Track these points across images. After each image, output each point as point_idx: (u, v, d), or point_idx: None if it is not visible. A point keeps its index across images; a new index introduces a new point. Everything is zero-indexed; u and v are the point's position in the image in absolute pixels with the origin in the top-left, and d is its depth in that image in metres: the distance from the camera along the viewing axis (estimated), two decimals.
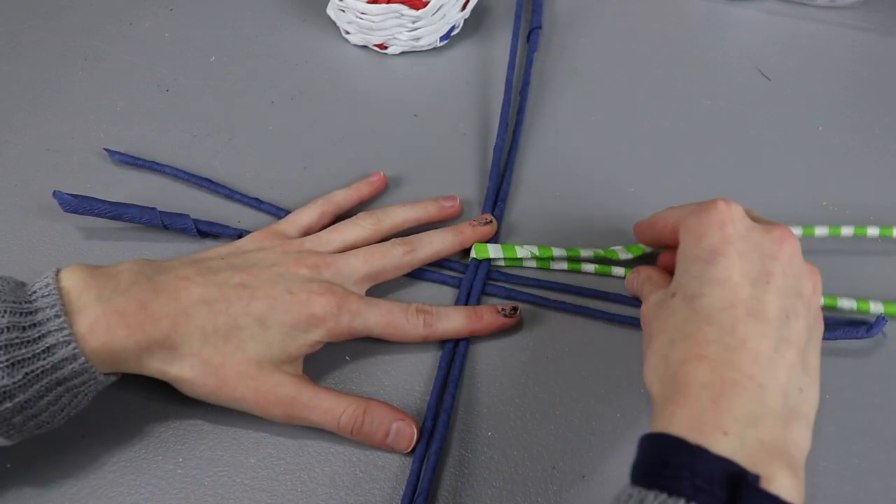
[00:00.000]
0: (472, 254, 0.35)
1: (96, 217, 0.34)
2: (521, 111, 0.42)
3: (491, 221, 0.35)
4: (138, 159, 0.39)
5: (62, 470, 0.28)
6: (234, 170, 0.39)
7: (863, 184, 0.40)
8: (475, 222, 0.35)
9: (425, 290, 0.35)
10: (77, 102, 0.42)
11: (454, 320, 0.31)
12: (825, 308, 0.34)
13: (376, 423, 0.28)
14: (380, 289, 0.34)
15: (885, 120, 0.44)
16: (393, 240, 0.33)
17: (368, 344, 0.32)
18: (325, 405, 0.28)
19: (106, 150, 0.39)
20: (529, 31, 0.47)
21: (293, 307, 0.28)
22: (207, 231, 0.35)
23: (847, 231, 0.36)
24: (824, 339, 0.31)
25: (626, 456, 0.30)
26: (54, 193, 0.34)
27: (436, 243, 0.34)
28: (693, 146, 0.42)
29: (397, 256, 0.32)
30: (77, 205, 0.34)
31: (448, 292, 0.35)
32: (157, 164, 0.38)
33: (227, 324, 0.27)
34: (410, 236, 0.34)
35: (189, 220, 0.35)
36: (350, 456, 0.29)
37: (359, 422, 0.28)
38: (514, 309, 0.32)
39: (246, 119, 0.42)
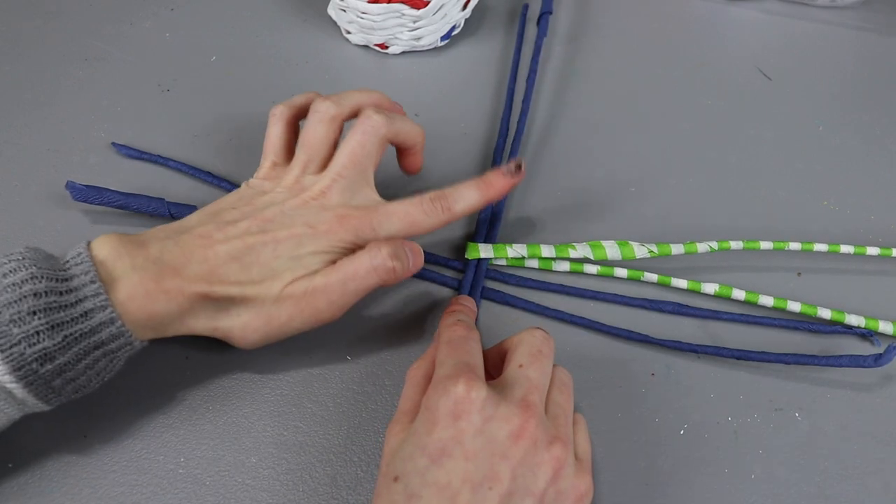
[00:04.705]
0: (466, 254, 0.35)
1: (105, 206, 0.35)
2: (525, 102, 0.42)
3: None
4: (144, 153, 0.39)
5: (63, 469, 0.28)
6: (235, 170, 0.39)
7: (863, 184, 0.40)
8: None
9: (424, 289, 0.35)
10: (77, 102, 0.42)
11: (469, 197, 0.31)
12: (833, 322, 0.34)
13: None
14: (380, 290, 0.34)
15: (885, 120, 0.44)
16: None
17: (368, 344, 0.32)
18: (357, 263, 0.28)
19: (114, 143, 0.39)
20: (539, 15, 0.47)
21: (319, 238, 0.29)
22: None
23: (847, 249, 0.36)
24: (830, 365, 0.31)
25: (623, 464, 0.30)
26: (67, 184, 0.34)
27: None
28: (693, 146, 0.42)
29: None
30: (88, 194, 0.34)
31: (447, 293, 0.35)
32: (163, 157, 0.39)
33: (262, 272, 0.28)
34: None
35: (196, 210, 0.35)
36: (352, 456, 0.29)
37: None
38: (518, 166, 0.32)
39: (246, 119, 0.42)
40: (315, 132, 0.31)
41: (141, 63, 0.45)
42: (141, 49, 0.46)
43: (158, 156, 0.39)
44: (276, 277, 0.28)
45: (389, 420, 0.27)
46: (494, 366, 0.28)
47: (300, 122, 0.33)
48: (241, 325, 0.28)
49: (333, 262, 0.29)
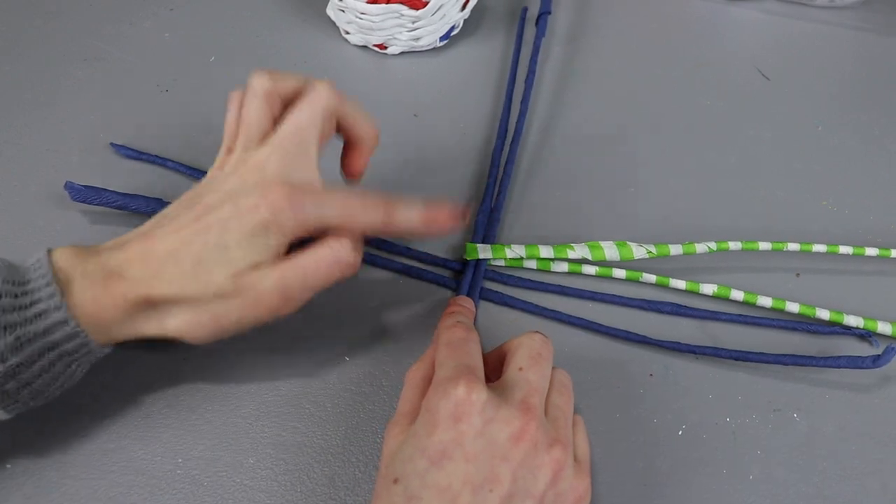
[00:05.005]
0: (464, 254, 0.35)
1: (104, 206, 0.35)
2: (524, 103, 0.42)
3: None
4: (143, 153, 0.39)
5: (62, 470, 0.28)
6: None
7: (862, 183, 0.40)
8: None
9: (423, 290, 0.35)
10: (77, 102, 0.42)
11: (411, 215, 0.29)
12: (831, 323, 0.34)
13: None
14: (375, 285, 0.34)
15: (883, 120, 0.44)
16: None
17: (366, 345, 0.32)
18: (318, 257, 0.27)
19: (112, 144, 0.39)
20: (538, 15, 0.47)
21: (243, 218, 0.26)
22: None
23: (845, 250, 0.36)
24: (828, 366, 0.31)
25: (621, 465, 0.30)
26: (65, 184, 0.35)
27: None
28: (693, 146, 0.42)
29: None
30: (86, 194, 0.35)
31: (446, 294, 0.35)
32: (161, 158, 0.39)
33: (192, 265, 0.26)
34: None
35: None
36: (350, 456, 0.29)
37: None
38: (464, 213, 0.30)
39: None
40: (249, 107, 0.29)
41: (140, 63, 0.45)
42: (140, 49, 0.46)
43: (157, 156, 0.39)
44: (209, 270, 0.26)
45: (387, 421, 0.27)
46: (493, 369, 0.28)
47: None
48: (186, 325, 0.27)
49: (275, 251, 0.27)
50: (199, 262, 0.26)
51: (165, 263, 0.26)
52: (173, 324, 0.27)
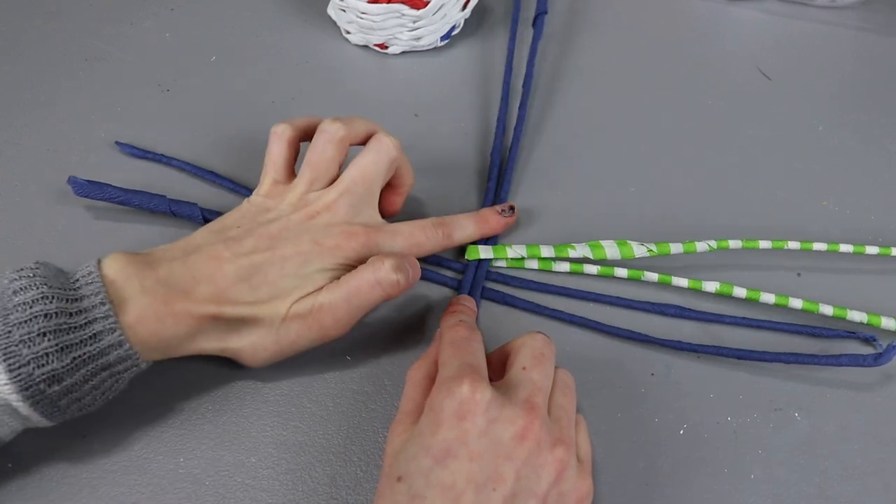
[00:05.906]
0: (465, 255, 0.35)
1: (107, 202, 0.35)
2: (522, 108, 0.42)
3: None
4: (148, 152, 0.39)
5: (63, 470, 0.28)
6: (236, 170, 0.39)
7: (862, 183, 0.40)
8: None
9: (424, 289, 0.35)
10: (77, 102, 0.42)
11: (467, 228, 0.34)
12: (835, 318, 0.34)
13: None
14: None
15: (883, 120, 0.44)
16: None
17: (368, 344, 0.32)
18: (360, 278, 0.29)
19: (117, 143, 0.39)
20: (535, 16, 0.46)
21: (325, 255, 0.29)
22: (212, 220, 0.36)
23: (846, 248, 0.36)
24: (829, 364, 0.31)
25: (622, 464, 0.30)
26: (69, 179, 0.35)
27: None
28: (693, 145, 0.42)
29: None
30: (89, 189, 0.35)
31: (447, 293, 0.35)
32: (167, 157, 0.39)
33: (270, 291, 0.28)
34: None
35: (197, 209, 0.35)
36: (351, 455, 0.29)
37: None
38: (511, 208, 0.35)
39: (246, 119, 0.42)
40: (323, 151, 0.31)
41: (141, 63, 0.45)
42: (141, 49, 0.46)
43: (162, 155, 0.39)
44: (284, 296, 0.28)
45: (389, 420, 0.27)
46: (495, 369, 0.28)
47: (300, 143, 0.33)
48: (250, 345, 0.28)
49: (337, 278, 0.29)
50: (278, 289, 0.28)
51: (237, 285, 0.28)
52: (238, 343, 0.28)
